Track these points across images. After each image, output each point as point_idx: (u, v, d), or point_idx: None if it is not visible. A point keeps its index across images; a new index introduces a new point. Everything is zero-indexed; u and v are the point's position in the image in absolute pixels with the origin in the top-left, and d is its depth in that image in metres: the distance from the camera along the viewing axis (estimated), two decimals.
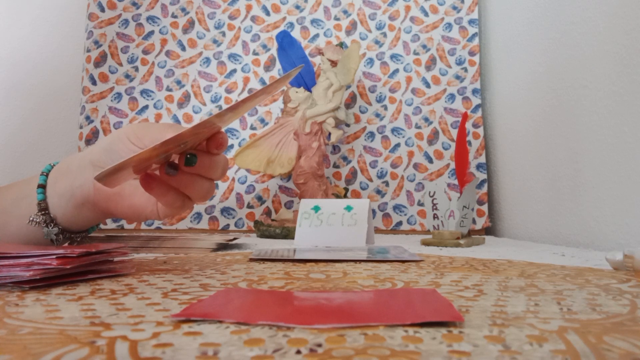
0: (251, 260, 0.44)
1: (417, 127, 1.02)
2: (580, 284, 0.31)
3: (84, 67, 1.02)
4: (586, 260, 0.48)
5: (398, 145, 1.01)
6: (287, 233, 0.80)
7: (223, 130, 0.37)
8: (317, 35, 1.05)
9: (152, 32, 1.04)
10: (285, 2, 1.07)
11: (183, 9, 1.05)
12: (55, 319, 0.21)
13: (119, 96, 1.01)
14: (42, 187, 0.46)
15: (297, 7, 1.06)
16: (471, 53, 1.04)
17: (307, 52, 1.02)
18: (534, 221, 0.84)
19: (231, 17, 1.05)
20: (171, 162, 0.37)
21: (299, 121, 0.89)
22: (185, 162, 0.36)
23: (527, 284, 0.31)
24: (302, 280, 0.32)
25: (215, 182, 0.41)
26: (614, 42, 0.64)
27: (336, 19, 1.06)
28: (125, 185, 0.45)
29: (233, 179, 0.99)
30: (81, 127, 1.00)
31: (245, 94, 1.03)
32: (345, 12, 1.06)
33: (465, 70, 1.03)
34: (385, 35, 1.05)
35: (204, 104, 1.02)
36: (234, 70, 1.04)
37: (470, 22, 1.05)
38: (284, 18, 1.06)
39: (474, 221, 0.96)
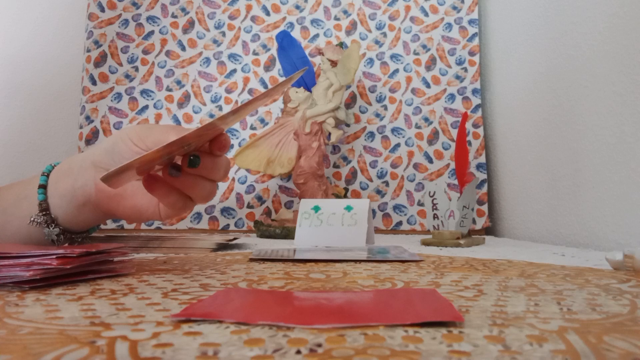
0: (251, 260, 0.44)
1: (417, 127, 1.02)
2: (580, 284, 0.31)
3: (84, 67, 1.02)
4: (586, 260, 0.48)
5: (398, 145, 1.01)
6: (287, 233, 0.80)
7: (225, 131, 0.37)
8: (317, 35, 1.05)
9: (152, 32, 1.04)
10: (285, 2, 1.07)
11: (183, 9, 1.05)
12: (55, 319, 0.21)
13: (119, 96, 1.01)
14: (43, 187, 0.46)
15: (297, 7, 1.06)
16: (471, 53, 1.04)
17: (307, 52, 1.02)
18: (534, 221, 0.84)
19: (231, 17, 1.05)
20: (174, 164, 0.37)
21: (299, 121, 0.89)
22: (189, 163, 0.36)
23: (527, 284, 0.31)
24: (302, 280, 0.32)
25: (217, 183, 0.42)
26: (614, 42, 0.64)
27: (336, 19, 1.06)
28: (127, 186, 0.45)
29: (233, 179, 0.99)
30: (81, 127, 1.00)
31: (245, 94, 1.03)
32: (345, 12, 1.06)
33: (465, 70, 1.03)
34: (385, 35, 1.05)
35: (204, 104, 1.02)
36: (234, 70, 1.04)
37: (470, 22, 1.05)
38: (284, 18, 1.06)
39: (474, 221, 0.96)
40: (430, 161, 1.00)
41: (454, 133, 1.01)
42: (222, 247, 0.58)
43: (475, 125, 1.01)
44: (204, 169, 0.38)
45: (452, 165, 0.99)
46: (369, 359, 0.16)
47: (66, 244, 0.49)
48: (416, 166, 1.00)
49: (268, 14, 1.06)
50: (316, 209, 0.64)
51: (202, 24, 1.05)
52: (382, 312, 0.22)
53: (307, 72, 0.93)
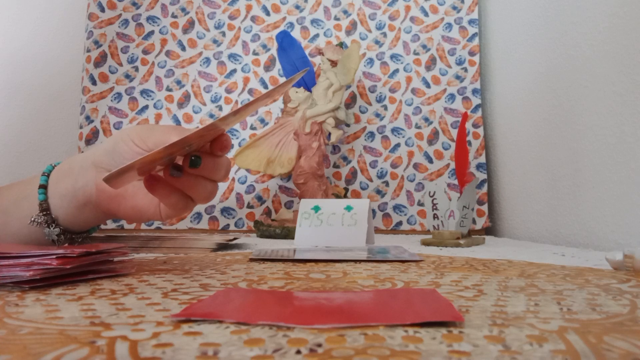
0: (251, 260, 0.44)
1: (417, 127, 1.02)
2: (580, 284, 0.31)
3: (84, 67, 1.02)
4: (586, 260, 0.48)
5: (398, 145, 1.01)
6: (287, 233, 0.80)
7: (226, 132, 0.38)
8: (317, 35, 1.05)
9: (152, 32, 1.04)
10: (285, 2, 1.07)
11: (183, 9, 1.05)
12: (55, 319, 0.21)
13: (119, 96, 1.01)
14: (44, 187, 0.46)
15: (297, 7, 1.06)
16: (471, 53, 1.04)
17: (307, 52, 1.02)
18: (534, 221, 0.84)
19: (231, 17, 1.05)
20: (175, 164, 0.37)
21: (299, 121, 0.89)
22: (190, 164, 0.36)
23: (527, 284, 0.31)
24: (302, 280, 0.32)
25: (217, 183, 0.42)
26: (614, 42, 0.64)
27: (336, 19, 1.06)
28: (128, 186, 0.45)
29: (233, 179, 0.99)
30: (81, 127, 1.00)
31: (245, 94, 1.03)
32: (345, 12, 1.06)
33: (465, 70, 1.03)
34: (385, 35, 1.05)
35: (204, 104, 1.02)
36: (234, 70, 1.04)
37: (470, 22, 1.05)
38: (284, 18, 1.06)
39: (474, 221, 0.96)
40: (430, 161, 1.00)
41: (454, 133, 1.01)
42: (222, 247, 0.58)
43: (475, 125, 1.01)
44: (205, 170, 0.38)
45: (452, 165, 0.99)
46: (369, 359, 0.16)
47: (66, 244, 0.49)
48: (416, 166, 1.00)
49: (268, 14, 1.06)
50: (316, 209, 0.64)
51: (202, 24, 1.05)
52: (382, 312, 0.22)
53: (307, 72, 0.93)
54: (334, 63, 0.89)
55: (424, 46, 1.04)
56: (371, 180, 1.00)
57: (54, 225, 0.46)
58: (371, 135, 1.02)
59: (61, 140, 1.09)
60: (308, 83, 0.93)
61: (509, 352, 0.17)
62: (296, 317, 0.20)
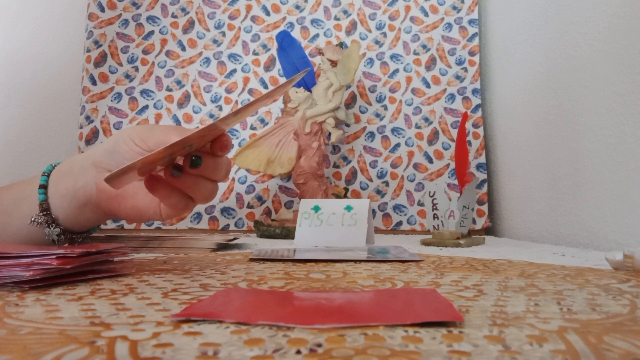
0: (251, 260, 0.44)
1: (417, 127, 1.02)
2: (580, 284, 0.31)
3: (84, 67, 1.02)
4: (586, 260, 0.48)
5: (398, 145, 1.01)
6: (287, 233, 0.80)
7: (226, 132, 0.38)
8: (317, 35, 1.05)
9: (152, 32, 1.04)
10: (285, 2, 1.07)
11: (183, 9, 1.05)
12: (55, 319, 0.21)
13: (119, 96, 1.01)
14: (44, 187, 0.46)
15: (297, 7, 1.06)
16: (471, 53, 1.04)
17: (307, 52, 1.02)
18: (534, 221, 0.84)
19: (231, 17, 1.05)
20: (176, 164, 0.37)
21: (299, 121, 0.89)
22: (190, 164, 0.36)
23: (527, 284, 0.31)
24: (302, 280, 0.32)
25: (218, 183, 0.42)
26: (614, 42, 0.64)
27: (336, 19, 1.06)
28: (128, 186, 0.45)
29: (233, 179, 0.99)
30: (81, 127, 1.00)
31: (245, 94, 1.03)
32: (345, 12, 1.06)
33: (465, 70, 1.03)
34: (385, 35, 1.05)
35: (204, 104, 1.02)
36: (234, 70, 1.04)
37: (470, 22, 1.05)
38: (284, 18, 1.06)
39: (474, 221, 0.96)
40: (430, 161, 1.00)
41: (454, 133, 1.01)
42: (222, 247, 0.58)
43: (475, 125, 1.01)
44: (205, 169, 0.38)
45: (452, 165, 0.99)
46: (369, 359, 0.16)
47: (66, 244, 0.49)
48: (416, 166, 1.00)
49: (268, 14, 1.06)
50: (316, 209, 0.64)
51: (202, 24, 1.05)
52: (382, 312, 0.22)
53: (307, 72, 0.93)
54: (334, 63, 0.89)
55: (424, 46, 1.05)
56: (371, 180, 1.00)
57: (54, 225, 0.46)
58: (371, 135, 1.02)
59: (61, 140, 1.09)
60: (308, 83, 0.93)
61: (509, 352, 0.17)
62: (296, 317, 0.20)
